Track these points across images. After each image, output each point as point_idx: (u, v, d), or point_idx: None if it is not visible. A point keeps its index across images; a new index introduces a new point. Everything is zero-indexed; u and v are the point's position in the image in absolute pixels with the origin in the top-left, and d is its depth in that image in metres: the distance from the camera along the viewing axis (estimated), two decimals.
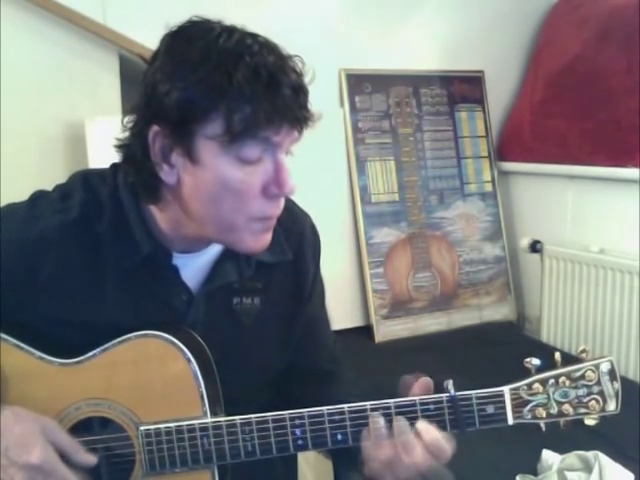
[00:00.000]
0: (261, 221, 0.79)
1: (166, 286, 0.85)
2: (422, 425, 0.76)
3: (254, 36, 0.75)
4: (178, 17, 0.78)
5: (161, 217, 0.83)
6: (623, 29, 2.04)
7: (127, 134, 0.79)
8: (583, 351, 0.79)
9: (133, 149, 0.78)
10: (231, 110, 0.71)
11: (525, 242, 2.27)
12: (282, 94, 0.72)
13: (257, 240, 0.80)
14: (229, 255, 0.87)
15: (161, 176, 0.77)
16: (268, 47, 0.75)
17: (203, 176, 0.75)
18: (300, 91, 0.75)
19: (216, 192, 0.75)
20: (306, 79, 0.77)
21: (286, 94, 0.72)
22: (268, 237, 0.82)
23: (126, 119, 0.79)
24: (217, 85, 0.71)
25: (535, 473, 1.32)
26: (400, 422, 0.76)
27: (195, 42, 0.73)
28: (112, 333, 0.82)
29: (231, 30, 0.75)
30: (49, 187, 0.89)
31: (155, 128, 0.74)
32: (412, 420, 0.77)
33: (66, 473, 0.76)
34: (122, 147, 0.80)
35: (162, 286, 0.85)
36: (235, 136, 0.72)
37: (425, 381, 0.80)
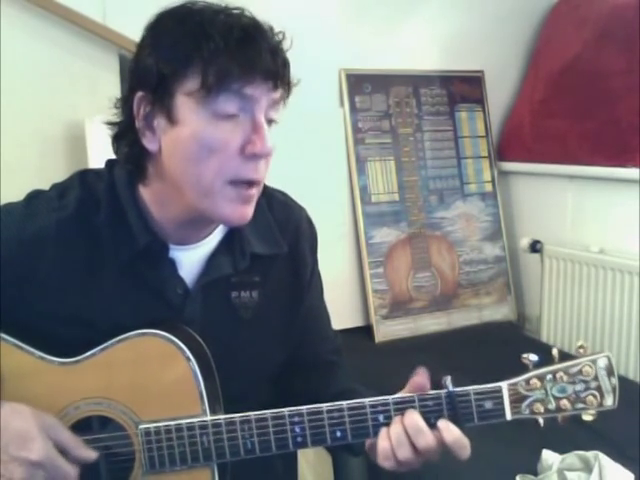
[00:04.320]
0: (238, 186, 0.78)
1: (162, 279, 0.85)
2: (443, 424, 0.77)
3: (236, 8, 0.78)
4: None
5: (150, 197, 0.83)
6: (623, 29, 2.04)
7: (118, 112, 0.82)
8: (581, 347, 0.79)
9: (121, 121, 0.81)
10: (206, 63, 0.73)
11: (525, 242, 2.27)
12: (257, 49, 0.74)
13: (235, 209, 0.78)
14: (224, 248, 0.88)
15: (144, 143, 0.78)
16: (248, 16, 0.78)
17: (181, 135, 0.76)
18: (277, 52, 0.77)
19: (193, 150, 0.76)
20: (286, 46, 0.79)
21: (262, 49, 0.74)
22: (248, 210, 0.80)
23: (117, 100, 0.83)
24: (193, 42, 0.73)
25: (535, 473, 1.32)
26: (416, 419, 0.77)
27: (175, 16, 0.77)
28: (110, 330, 0.82)
29: (213, 5, 0.78)
30: (49, 187, 0.89)
31: (139, 94, 0.77)
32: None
33: (67, 468, 0.76)
34: (112, 124, 0.83)
35: (158, 279, 0.85)
36: (210, 89, 0.73)
37: (417, 378, 0.80)
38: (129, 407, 0.81)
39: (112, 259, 0.83)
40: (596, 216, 2.11)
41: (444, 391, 0.78)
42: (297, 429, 0.78)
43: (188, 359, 0.81)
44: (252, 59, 0.74)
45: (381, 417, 0.79)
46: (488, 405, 0.78)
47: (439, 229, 2.32)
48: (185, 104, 0.75)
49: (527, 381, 0.78)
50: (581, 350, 0.79)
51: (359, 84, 2.23)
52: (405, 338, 2.21)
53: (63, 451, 0.78)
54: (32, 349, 0.83)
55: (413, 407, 0.78)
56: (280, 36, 0.79)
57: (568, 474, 1.26)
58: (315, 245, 0.99)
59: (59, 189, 0.87)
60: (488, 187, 2.42)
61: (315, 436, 0.79)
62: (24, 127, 1.79)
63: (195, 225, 0.85)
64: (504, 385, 0.78)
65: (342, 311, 2.18)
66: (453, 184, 2.36)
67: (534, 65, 2.40)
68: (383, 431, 0.78)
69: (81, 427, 0.82)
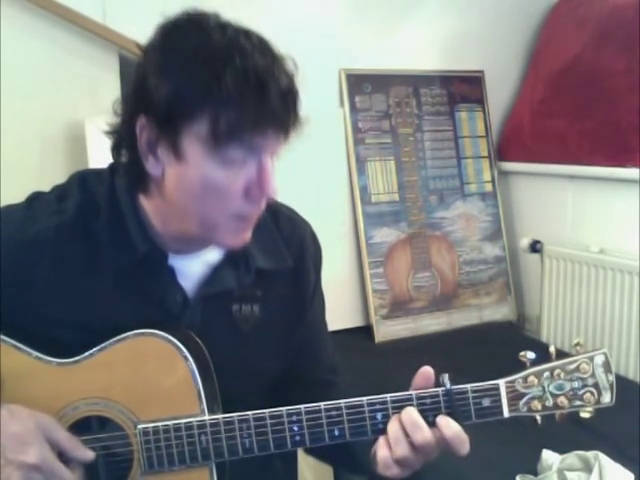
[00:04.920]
0: (241, 220, 0.79)
1: (161, 286, 0.85)
2: (442, 420, 0.77)
3: (248, 35, 0.75)
4: (165, 16, 0.78)
5: (150, 209, 0.83)
6: (623, 29, 2.04)
7: (118, 120, 0.80)
8: (577, 344, 0.79)
9: (122, 137, 0.79)
10: (217, 112, 0.71)
11: (525, 242, 2.27)
12: (270, 99, 0.72)
13: (236, 237, 0.81)
14: (229, 262, 0.88)
15: (146, 167, 0.77)
16: (261, 48, 0.74)
17: (186, 173, 0.75)
18: (289, 95, 0.75)
19: (198, 190, 0.76)
20: (297, 80, 0.76)
21: (274, 99, 0.72)
22: (248, 234, 0.82)
23: (117, 105, 0.80)
24: (205, 85, 0.71)
25: (535, 473, 1.32)
26: (413, 415, 0.77)
27: (188, 37, 0.74)
28: (109, 333, 0.82)
29: (225, 27, 0.75)
30: (49, 187, 0.89)
31: (143, 120, 0.75)
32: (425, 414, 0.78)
33: (63, 472, 0.76)
34: (112, 133, 0.81)
35: (157, 286, 0.85)
36: (220, 138, 0.72)
37: (425, 370, 0.80)
38: (127, 407, 0.81)
39: (110, 265, 0.83)
40: (596, 216, 2.11)
41: (442, 389, 0.78)
42: (295, 428, 0.79)
43: (186, 359, 0.81)
44: (266, 112, 0.72)
45: (379, 415, 0.79)
46: (486, 402, 0.78)
47: (439, 229, 2.32)
48: (192, 146, 0.74)
49: (524, 378, 0.78)
50: (578, 347, 0.79)
51: (359, 84, 2.23)
52: (405, 338, 2.20)
53: (61, 452, 0.78)
54: (30, 349, 0.83)
55: (411, 404, 0.78)
56: (293, 67, 0.77)
57: (568, 474, 1.26)
58: (319, 261, 0.99)
59: (59, 192, 0.87)
60: (488, 187, 2.41)
61: (313, 435, 0.79)
62: (24, 127, 1.79)
63: (196, 240, 0.85)
64: (501, 382, 0.78)
65: (342, 311, 2.18)
66: (453, 184, 2.36)
67: (534, 65, 2.40)
68: (381, 439, 0.78)
69: (80, 427, 0.82)
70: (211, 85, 0.70)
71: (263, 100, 0.72)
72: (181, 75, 0.72)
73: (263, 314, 0.90)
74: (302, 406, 0.79)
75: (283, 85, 0.74)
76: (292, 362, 0.96)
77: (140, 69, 0.76)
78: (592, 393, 0.78)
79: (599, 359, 0.78)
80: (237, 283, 0.88)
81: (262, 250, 0.89)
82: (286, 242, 0.93)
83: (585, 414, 0.78)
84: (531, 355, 0.79)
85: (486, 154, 2.43)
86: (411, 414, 0.77)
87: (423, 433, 0.75)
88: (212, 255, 0.87)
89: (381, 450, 0.77)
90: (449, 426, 0.76)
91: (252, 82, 0.71)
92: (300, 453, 1.04)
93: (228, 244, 0.82)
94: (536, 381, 0.78)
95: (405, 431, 0.76)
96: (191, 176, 0.75)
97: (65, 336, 0.82)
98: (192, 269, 0.87)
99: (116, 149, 0.81)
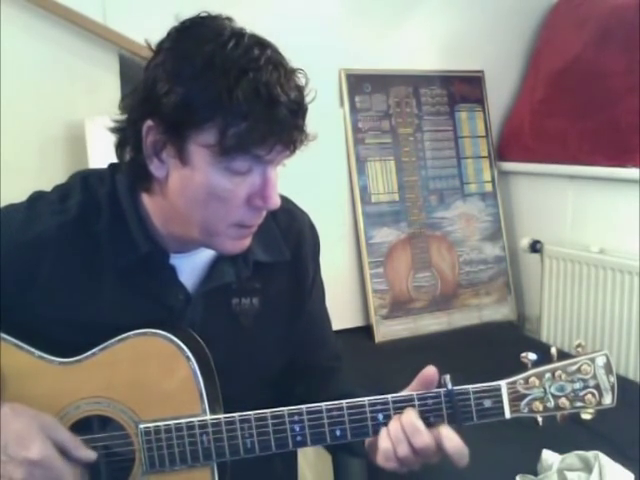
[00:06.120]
0: (240, 228, 0.80)
1: (163, 286, 0.86)
2: (445, 431, 0.76)
3: (261, 46, 0.75)
4: (178, 18, 0.78)
5: (152, 208, 0.83)
6: (623, 29, 2.04)
7: (123, 119, 0.80)
8: (579, 346, 0.79)
9: (127, 137, 0.79)
10: (226, 124, 0.71)
11: (525, 242, 2.27)
12: (279, 114, 0.72)
13: (235, 244, 0.82)
14: (227, 256, 0.88)
15: (151, 169, 0.78)
16: (273, 61, 0.74)
17: (191, 178, 0.76)
18: (298, 111, 0.75)
19: (201, 196, 0.76)
20: (307, 95, 0.77)
21: (283, 115, 0.73)
22: (247, 241, 0.83)
23: (123, 102, 0.80)
24: (216, 97, 0.71)
25: (535, 473, 1.32)
26: (413, 418, 0.77)
27: (201, 44, 0.73)
28: (111, 332, 0.82)
29: (240, 36, 0.74)
30: (49, 187, 0.90)
31: (149, 123, 0.75)
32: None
33: (64, 469, 0.76)
34: (117, 131, 0.81)
35: (159, 286, 0.85)
36: (227, 150, 0.72)
37: (428, 374, 0.80)
38: (129, 406, 0.81)
39: (112, 265, 0.83)
40: (596, 216, 2.11)
41: (443, 390, 0.79)
42: (297, 428, 0.79)
43: (188, 359, 0.81)
44: (274, 128, 0.72)
45: (380, 416, 0.79)
46: (487, 403, 0.78)
47: (439, 229, 2.32)
48: (198, 153, 0.74)
49: (526, 380, 0.78)
50: (579, 349, 0.79)
51: (359, 84, 2.23)
52: (405, 338, 2.21)
53: (63, 451, 0.78)
54: (32, 349, 0.83)
55: (412, 406, 0.78)
56: (303, 80, 0.77)
57: (568, 474, 1.26)
58: (317, 251, 0.99)
59: (61, 192, 0.87)
60: (488, 187, 2.42)
61: (315, 435, 0.79)
62: (24, 127, 1.79)
63: (195, 243, 0.85)
64: (503, 383, 0.79)
65: (342, 311, 2.18)
66: (453, 184, 2.36)
67: (534, 65, 2.40)
68: (384, 431, 0.78)
69: (81, 427, 0.82)
70: (222, 97, 0.70)
71: (273, 115, 0.72)
72: (192, 84, 0.72)
73: (263, 307, 0.90)
74: (304, 406, 0.79)
75: (293, 100, 0.74)
76: (295, 352, 0.96)
77: (150, 71, 0.76)
78: (593, 394, 0.78)
79: (600, 360, 0.78)
80: (236, 276, 0.88)
81: (260, 243, 0.90)
82: (283, 234, 0.93)
83: (586, 415, 0.78)
84: (532, 356, 0.79)
85: (486, 154, 2.43)
86: (411, 417, 0.77)
87: (422, 437, 0.75)
88: (210, 250, 0.88)
89: (384, 442, 0.77)
90: (450, 438, 0.76)
91: (263, 97, 0.71)
92: (300, 451, 1.04)
93: (227, 250, 0.83)
94: (537, 382, 0.78)
95: (405, 433, 0.76)
96: (195, 181, 0.76)
97: (67, 335, 0.82)
98: (192, 266, 0.88)
99: (120, 147, 0.81)
